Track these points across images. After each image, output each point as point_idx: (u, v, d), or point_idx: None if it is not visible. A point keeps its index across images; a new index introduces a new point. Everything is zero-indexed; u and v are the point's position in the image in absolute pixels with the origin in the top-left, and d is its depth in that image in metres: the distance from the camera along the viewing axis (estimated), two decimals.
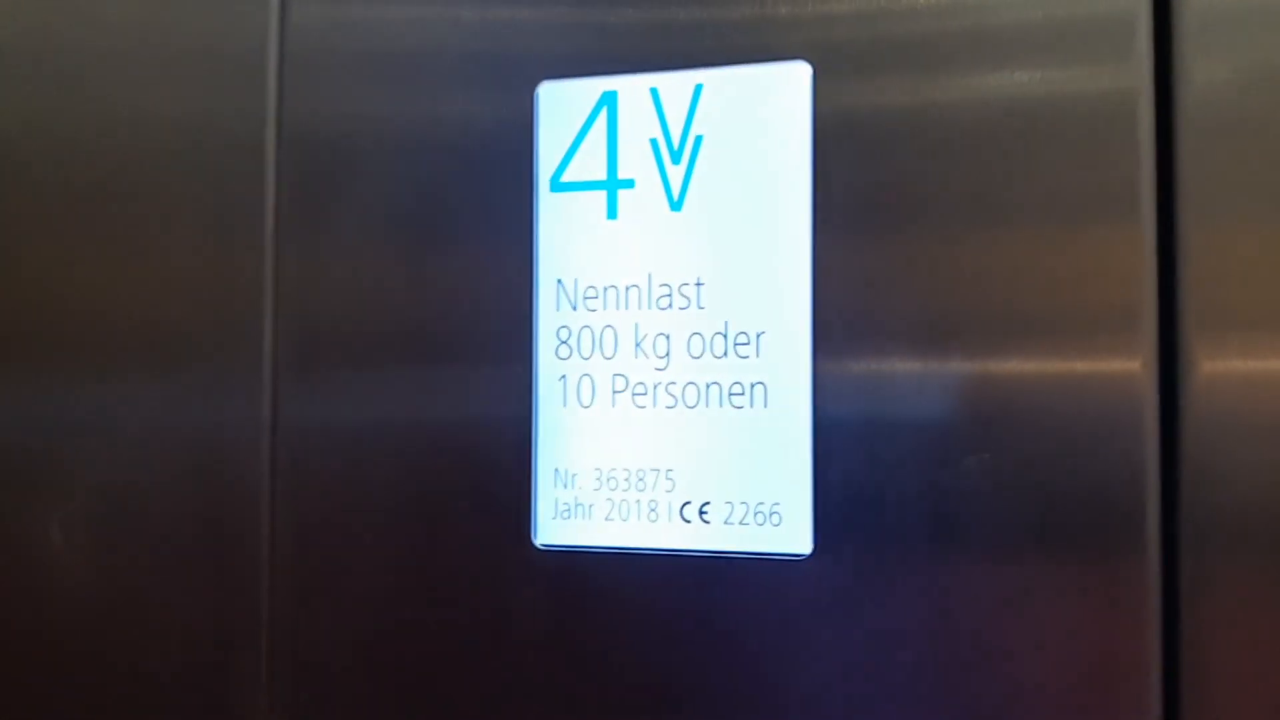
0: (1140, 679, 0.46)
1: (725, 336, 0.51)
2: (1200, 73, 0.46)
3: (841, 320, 0.49)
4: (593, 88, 0.52)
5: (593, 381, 0.52)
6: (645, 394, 0.52)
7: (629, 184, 0.52)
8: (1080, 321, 0.47)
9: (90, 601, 0.60)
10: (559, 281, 0.53)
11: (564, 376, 0.53)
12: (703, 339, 0.51)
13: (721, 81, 0.51)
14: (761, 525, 0.50)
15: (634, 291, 0.52)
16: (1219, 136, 0.46)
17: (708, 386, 0.51)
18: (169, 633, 0.59)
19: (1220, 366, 0.46)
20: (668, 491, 0.51)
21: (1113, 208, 0.47)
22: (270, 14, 0.58)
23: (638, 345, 0.52)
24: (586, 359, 0.52)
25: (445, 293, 0.55)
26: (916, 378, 0.48)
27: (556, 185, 0.53)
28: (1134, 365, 0.46)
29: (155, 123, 0.60)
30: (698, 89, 0.51)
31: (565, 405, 0.53)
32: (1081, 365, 0.47)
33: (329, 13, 0.58)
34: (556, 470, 0.53)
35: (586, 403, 0.52)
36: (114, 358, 0.60)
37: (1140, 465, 0.46)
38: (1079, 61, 0.47)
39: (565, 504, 0.52)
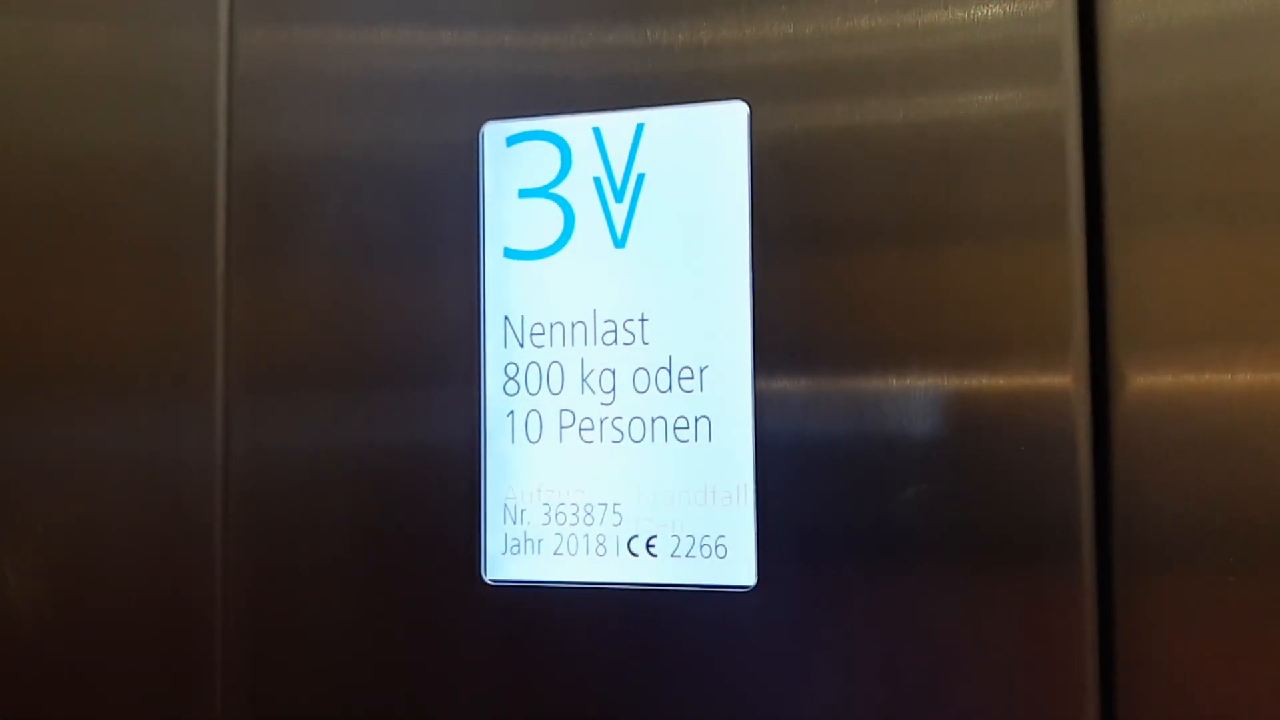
0: (1078, 691, 0.46)
1: (669, 371, 0.51)
2: (1125, 93, 0.48)
3: (782, 352, 0.50)
4: (536, 127, 0.53)
5: (540, 417, 0.53)
6: (592, 429, 0.52)
7: (573, 222, 0.53)
8: (1012, 339, 0.48)
9: (42, 632, 0.60)
10: (506, 318, 0.53)
11: (512, 412, 0.53)
12: (647, 374, 0.52)
13: (662, 121, 0.52)
14: (707, 558, 0.50)
15: (580, 328, 0.53)
16: (1145, 155, 0.47)
17: (653, 421, 0.51)
18: (122, 665, 0.58)
19: (1150, 381, 0.47)
20: (615, 525, 0.52)
21: (1042, 226, 0.48)
22: (219, 41, 0.59)
23: (584, 381, 0.52)
24: (534, 395, 0.53)
25: (395, 324, 0.55)
26: (855, 406, 0.49)
27: (502, 226, 0.54)
28: (1065, 381, 0.47)
29: (104, 150, 0.60)
30: (639, 128, 0.52)
31: (513, 441, 0.53)
32: (1014, 382, 0.48)
33: (277, 40, 0.58)
34: (505, 505, 0.53)
35: (534, 438, 0.53)
36: (65, 388, 0.60)
37: (1074, 479, 0.47)
38: (1006, 84, 0.48)
39: (514, 539, 0.53)
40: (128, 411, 0.59)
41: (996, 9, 0.48)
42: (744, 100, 0.51)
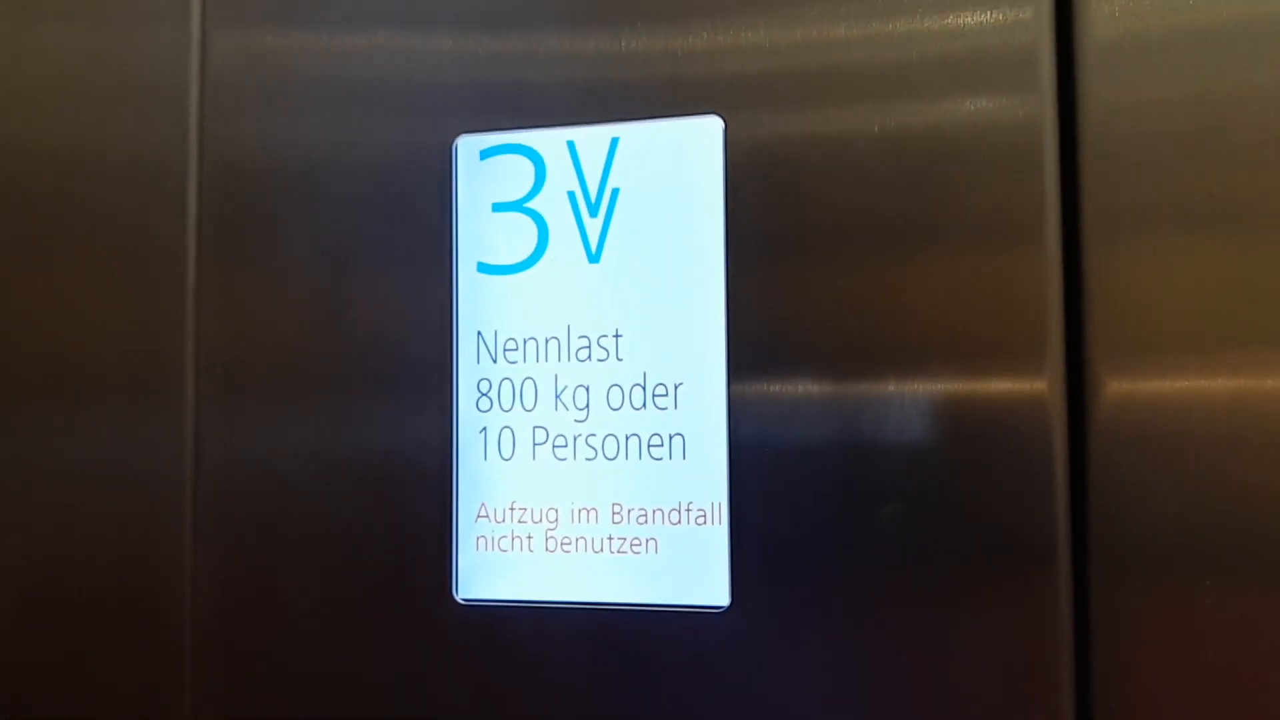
0: (1054, 694, 0.46)
1: (644, 388, 0.51)
2: (1102, 101, 0.47)
3: (757, 369, 0.49)
4: (510, 141, 0.53)
5: (513, 434, 0.52)
6: (565, 446, 0.52)
7: (547, 236, 0.52)
8: (989, 346, 0.47)
9: (11, 636, 0.59)
10: (479, 333, 0.53)
11: (484, 429, 0.53)
12: (622, 391, 0.51)
13: (637, 135, 0.51)
14: (681, 578, 0.50)
15: (554, 343, 0.52)
16: (1121, 163, 0.47)
17: (627, 438, 0.51)
18: (91, 671, 0.58)
19: (1126, 387, 0.47)
20: (588, 544, 0.51)
21: (1019, 234, 0.47)
22: (191, 45, 0.58)
23: (558, 397, 0.52)
24: (507, 411, 0.52)
25: (367, 336, 0.54)
26: (830, 422, 0.48)
27: (476, 240, 0.53)
28: (1042, 387, 0.47)
29: (75, 153, 0.60)
30: (614, 142, 0.51)
31: (486, 458, 0.52)
32: (991, 389, 0.47)
33: (249, 44, 0.57)
34: (477, 523, 0.52)
35: (507, 455, 0.52)
36: (35, 391, 0.59)
37: (1050, 485, 0.46)
38: (984, 92, 0.48)
39: (486, 557, 0.52)
40: (99, 416, 0.58)
41: (974, 18, 0.48)
42: (718, 114, 0.50)
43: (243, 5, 0.58)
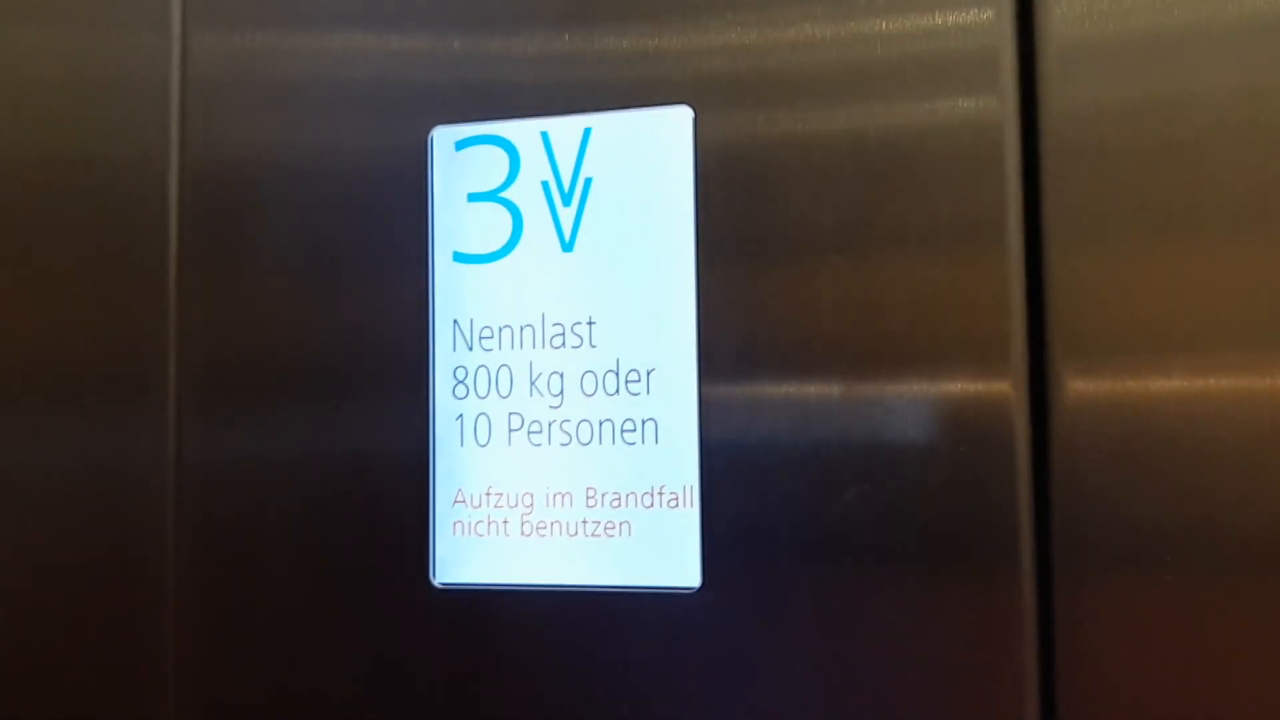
0: (1018, 690, 0.47)
1: (617, 374, 0.52)
2: (1064, 103, 0.48)
3: (727, 356, 0.50)
4: (485, 132, 0.54)
5: (489, 420, 0.53)
6: (540, 431, 0.52)
7: (521, 226, 0.53)
8: (952, 345, 0.48)
9: None
10: (455, 322, 0.54)
11: (461, 415, 0.53)
12: (595, 377, 0.52)
13: (609, 125, 0.52)
14: (654, 559, 0.51)
15: (528, 331, 0.53)
16: (1083, 165, 0.48)
17: (600, 423, 0.52)
18: (74, 672, 0.58)
19: (1087, 386, 0.47)
20: (563, 527, 0.52)
21: (982, 234, 0.48)
22: (172, 46, 0.59)
23: (532, 384, 0.53)
24: (483, 398, 0.53)
25: (346, 328, 0.55)
26: (799, 410, 0.49)
27: (451, 230, 0.54)
28: (1005, 386, 0.48)
29: (54, 155, 0.60)
30: (586, 132, 0.52)
31: (462, 444, 0.53)
32: (955, 388, 0.48)
33: (229, 44, 0.58)
34: (454, 508, 0.53)
35: (483, 441, 0.53)
36: (15, 395, 0.60)
37: (1013, 482, 0.47)
38: (947, 93, 0.49)
39: (463, 542, 0.53)
40: (79, 419, 0.59)
41: (937, 19, 0.49)
42: (689, 105, 0.51)
43: (222, 6, 0.58)
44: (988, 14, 0.48)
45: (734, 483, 0.50)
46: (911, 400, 0.48)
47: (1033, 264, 0.48)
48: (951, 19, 0.49)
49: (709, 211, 0.51)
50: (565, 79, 0.53)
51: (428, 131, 0.54)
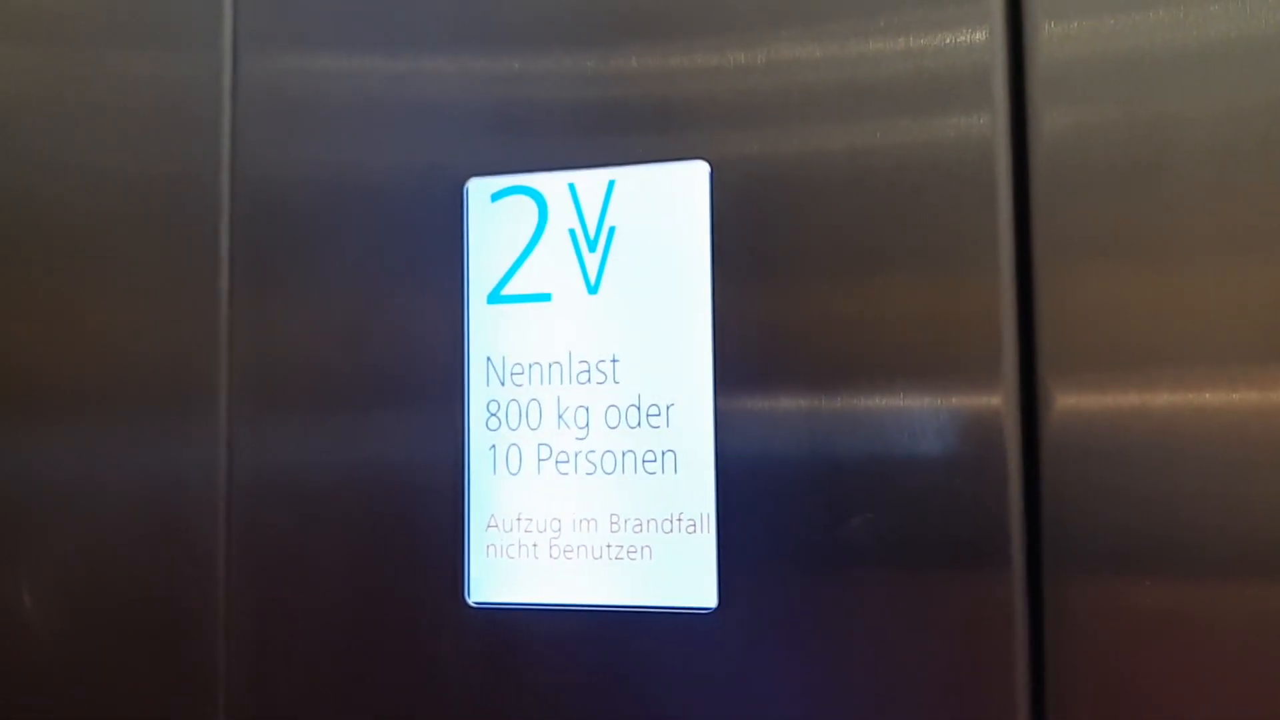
0: (1010, 697, 0.50)
1: (638, 408, 0.55)
2: (1054, 124, 0.50)
3: (740, 392, 0.54)
4: (517, 183, 0.58)
5: (520, 450, 0.57)
6: (568, 461, 0.56)
7: (550, 270, 0.57)
8: (948, 362, 0.51)
9: (49, 652, 0.63)
10: (488, 359, 0.58)
11: (494, 445, 0.57)
12: (619, 411, 0.56)
13: (632, 178, 0.56)
14: (674, 581, 0.54)
15: (556, 368, 0.57)
16: (1073, 185, 0.49)
17: (623, 454, 0.56)
18: (126, 684, 0.62)
19: (1076, 401, 0.50)
20: (588, 551, 0.56)
21: (974, 253, 0.50)
22: (223, 68, 0.62)
23: (560, 417, 0.57)
24: (514, 430, 0.57)
25: (389, 356, 0.59)
26: (807, 441, 0.53)
27: (485, 274, 0.58)
28: (997, 401, 0.50)
29: (109, 174, 0.63)
30: (611, 184, 0.56)
31: (495, 472, 0.57)
32: (950, 402, 0.51)
33: (280, 66, 0.61)
34: (487, 531, 0.57)
35: (515, 470, 0.57)
36: (71, 410, 0.63)
37: (1005, 490, 0.50)
38: (938, 113, 0.51)
39: (495, 563, 0.57)
40: (133, 433, 0.62)
41: (928, 40, 0.51)
42: (705, 160, 0.55)
43: (273, 29, 0.62)
44: (979, 34, 0.50)
45: (747, 509, 0.54)
46: (908, 415, 0.51)
47: (1024, 284, 0.50)
48: (943, 39, 0.51)
49: (723, 256, 0.54)
50: (591, 135, 0.57)
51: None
